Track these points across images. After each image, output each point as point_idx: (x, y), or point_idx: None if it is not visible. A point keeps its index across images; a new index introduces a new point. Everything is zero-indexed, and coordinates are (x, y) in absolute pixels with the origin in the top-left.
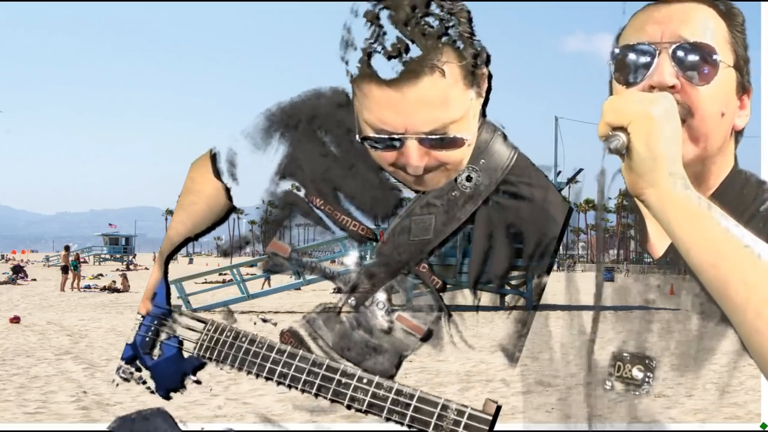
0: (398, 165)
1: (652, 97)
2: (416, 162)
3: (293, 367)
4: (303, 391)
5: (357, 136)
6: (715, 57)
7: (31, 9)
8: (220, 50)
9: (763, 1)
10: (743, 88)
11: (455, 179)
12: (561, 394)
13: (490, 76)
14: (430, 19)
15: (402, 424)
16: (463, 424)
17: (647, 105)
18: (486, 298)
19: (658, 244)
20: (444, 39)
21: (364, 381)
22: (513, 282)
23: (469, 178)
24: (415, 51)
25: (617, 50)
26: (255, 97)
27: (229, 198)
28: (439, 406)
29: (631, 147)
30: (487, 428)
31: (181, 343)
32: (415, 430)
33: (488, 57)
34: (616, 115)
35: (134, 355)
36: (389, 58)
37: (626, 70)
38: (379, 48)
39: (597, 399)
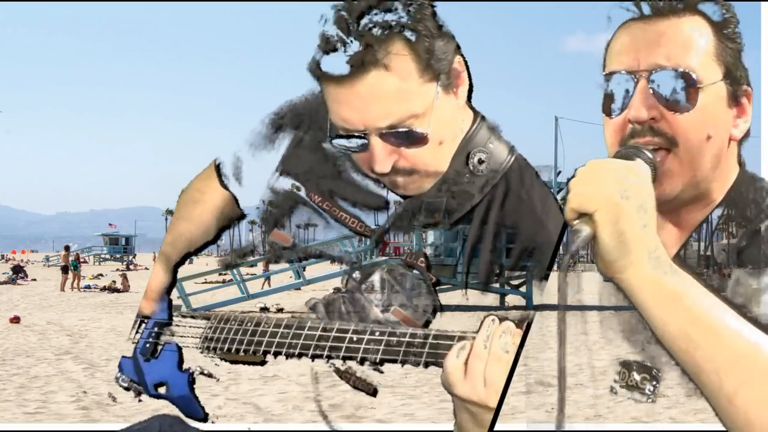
0: (372, 167)
1: (618, 174)
2: (381, 160)
3: (302, 336)
4: (314, 357)
5: (328, 139)
6: (695, 79)
7: (31, 9)
8: (220, 50)
9: (763, 0)
10: (737, 97)
11: (467, 162)
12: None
13: (467, 64)
14: (381, 15)
15: (419, 363)
16: None
17: (612, 188)
18: (488, 298)
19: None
20: (393, 31)
21: (377, 333)
22: (513, 282)
23: (480, 161)
24: (357, 47)
25: (603, 77)
26: (255, 97)
27: (238, 206)
28: (456, 338)
29: (598, 236)
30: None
31: (193, 380)
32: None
33: (457, 45)
34: (581, 201)
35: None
36: (325, 53)
37: (608, 100)
38: (321, 47)
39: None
